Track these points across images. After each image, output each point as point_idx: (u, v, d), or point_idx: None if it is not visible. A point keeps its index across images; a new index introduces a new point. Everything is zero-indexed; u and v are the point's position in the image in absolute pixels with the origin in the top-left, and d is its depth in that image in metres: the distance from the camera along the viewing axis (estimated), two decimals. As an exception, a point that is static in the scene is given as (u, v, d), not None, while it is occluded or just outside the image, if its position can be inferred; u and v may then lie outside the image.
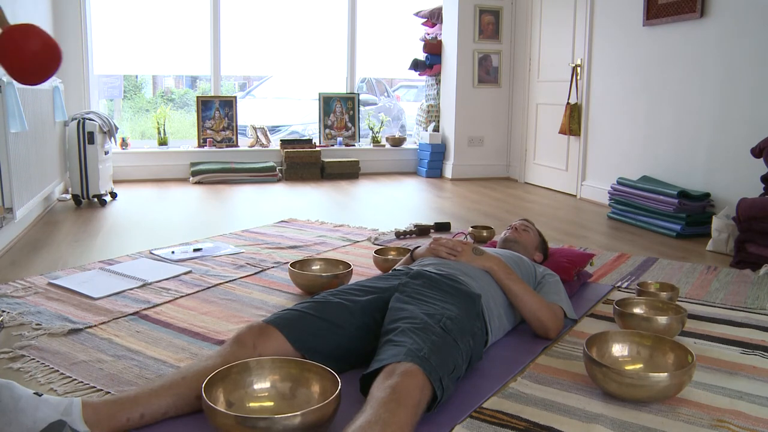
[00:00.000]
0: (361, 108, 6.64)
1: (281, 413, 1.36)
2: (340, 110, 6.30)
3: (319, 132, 6.28)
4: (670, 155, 4.11)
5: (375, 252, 2.77)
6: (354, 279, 2.45)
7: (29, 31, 0.86)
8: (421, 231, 3.51)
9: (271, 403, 1.47)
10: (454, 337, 1.56)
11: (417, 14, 6.40)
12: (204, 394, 1.34)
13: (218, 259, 2.90)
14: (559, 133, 5.12)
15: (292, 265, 2.51)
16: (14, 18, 3.58)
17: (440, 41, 6.15)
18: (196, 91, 6.83)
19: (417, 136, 6.55)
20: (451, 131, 6.03)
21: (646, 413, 1.52)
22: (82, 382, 1.66)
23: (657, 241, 3.51)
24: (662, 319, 1.95)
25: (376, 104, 7.86)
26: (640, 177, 4.23)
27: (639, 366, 1.71)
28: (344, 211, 4.25)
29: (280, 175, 5.66)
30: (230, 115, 5.88)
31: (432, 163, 6.09)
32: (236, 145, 5.90)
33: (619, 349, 1.76)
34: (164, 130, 5.74)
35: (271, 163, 5.67)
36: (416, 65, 6.29)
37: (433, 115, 6.34)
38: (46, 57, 0.86)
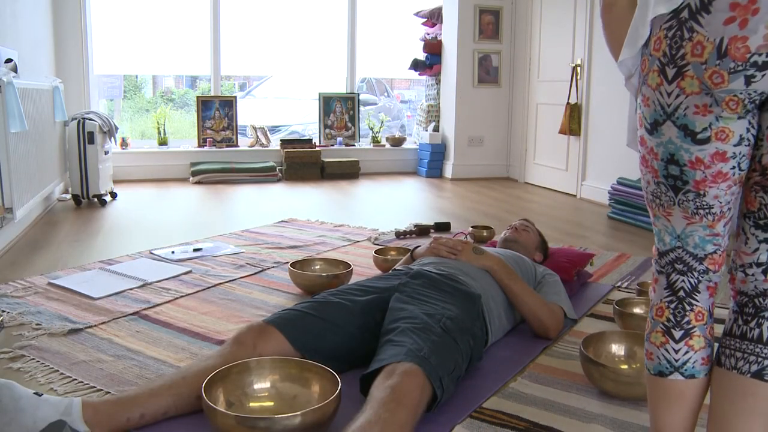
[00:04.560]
0: (361, 108, 6.64)
1: (281, 413, 1.37)
2: (340, 110, 6.30)
3: (319, 132, 6.28)
4: (669, 155, 4.10)
5: (375, 252, 2.77)
6: (354, 279, 2.45)
7: None
8: (421, 231, 3.51)
9: (271, 403, 1.47)
10: (454, 337, 1.56)
11: (417, 14, 6.40)
12: (204, 394, 1.34)
13: (218, 259, 2.91)
14: (559, 133, 5.12)
15: (292, 265, 2.51)
16: (14, 18, 3.58)
17: (440, 41, 6.15)
18: (196, 91, 6.83)
19: (417, 136, 6.55)
20: (451, 131, 6.03)
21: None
22: (82, 382, 1.66)
23: (657, 241, 3.50)
24: (662, 319, 1.95)
25: (376, 104, 7.86)
26: (639, 177, 4.23)
27: (636, 366, 1.71)
28: (344, 211, 4.25)
29: (280, 175, 5.66)
30: (230, 115, 5.88)
31: (432, 163, 6.08)
32: (236, 145, 5.90)
33: (615, 349, 1.77)
34: (164, 130, 5.74)
35: (271, 163, 5.67)
36: (416, 65, 6.29)
37: (433, 115, 6.34)
38: None
